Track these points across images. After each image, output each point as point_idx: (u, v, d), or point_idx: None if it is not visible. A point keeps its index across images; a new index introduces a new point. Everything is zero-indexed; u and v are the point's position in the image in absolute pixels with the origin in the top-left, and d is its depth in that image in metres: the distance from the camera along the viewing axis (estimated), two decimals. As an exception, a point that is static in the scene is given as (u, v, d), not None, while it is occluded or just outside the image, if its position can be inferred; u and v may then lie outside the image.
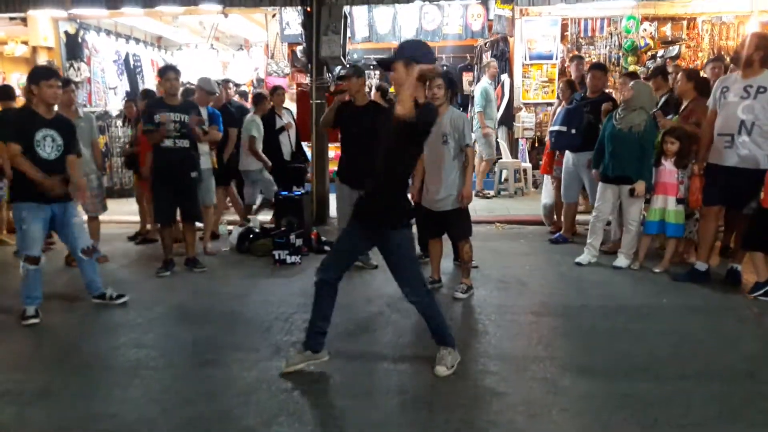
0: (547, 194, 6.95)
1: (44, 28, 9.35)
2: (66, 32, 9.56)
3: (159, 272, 5.45)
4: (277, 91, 7.25)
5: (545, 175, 6.97)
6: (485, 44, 10.23)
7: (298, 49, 9.29)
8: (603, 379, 3.28)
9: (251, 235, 6.27)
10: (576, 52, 9.19)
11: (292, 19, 9.63)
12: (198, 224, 5.94)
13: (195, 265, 5.61)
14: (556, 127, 6.28)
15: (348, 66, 6.95)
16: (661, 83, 6.31)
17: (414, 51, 3.11)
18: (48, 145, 4.30)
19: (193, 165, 5.50)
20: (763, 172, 4.46)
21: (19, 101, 6.33)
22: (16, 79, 10.90)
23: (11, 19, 9.22)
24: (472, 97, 9.38)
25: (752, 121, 4.48)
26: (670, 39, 9.58)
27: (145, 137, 5.51)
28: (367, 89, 5.60)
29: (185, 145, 5.37)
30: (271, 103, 7.17)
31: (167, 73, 5.41)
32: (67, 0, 8.32)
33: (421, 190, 4.70)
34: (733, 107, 4.56)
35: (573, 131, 6.02)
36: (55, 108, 4.45)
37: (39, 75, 4.32)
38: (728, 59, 7.93)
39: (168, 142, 5.27)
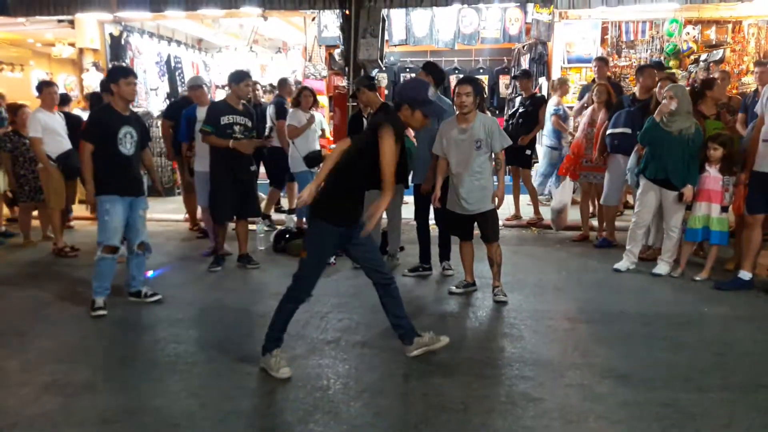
0: (560, 198, 6.85)
1: (90, 31, 9.67)
2: (111, 34, 9.83)
3: (211, 267, 5.59)
4: (304, 92, 6.77)
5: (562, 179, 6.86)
6: (523, 47, 10.15)
7: (336, 51, 9.35)
8: (642, 388, 3.22)
9: (287, 235, 6.34)
10: (606, 55, 9.03)
11: (330, 21, 9.70)
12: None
13: (248, 262, 5.71)
14: (620, 129, 5.89)
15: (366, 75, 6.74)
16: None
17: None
18: (128, 141, 4.51)
19: (251, 160, 5.64)
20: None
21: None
22: (63, 80, 11.24)
23: (59, 21, 9.56)
24: (509, 100, 9.29)
25: None
26: (714, 42, 9.36)
27: (209, 139, 5.45)
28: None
29: None
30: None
31: (245, 78, 5.46)
32: (113, 2, 8.57)
33: (443, 196, 4.73)
34: (781, 113, 4.45)
35: (638, 133, 5.80)
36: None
37: (118, 73, 4.54)
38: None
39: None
